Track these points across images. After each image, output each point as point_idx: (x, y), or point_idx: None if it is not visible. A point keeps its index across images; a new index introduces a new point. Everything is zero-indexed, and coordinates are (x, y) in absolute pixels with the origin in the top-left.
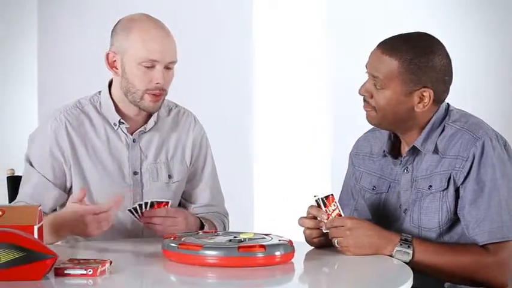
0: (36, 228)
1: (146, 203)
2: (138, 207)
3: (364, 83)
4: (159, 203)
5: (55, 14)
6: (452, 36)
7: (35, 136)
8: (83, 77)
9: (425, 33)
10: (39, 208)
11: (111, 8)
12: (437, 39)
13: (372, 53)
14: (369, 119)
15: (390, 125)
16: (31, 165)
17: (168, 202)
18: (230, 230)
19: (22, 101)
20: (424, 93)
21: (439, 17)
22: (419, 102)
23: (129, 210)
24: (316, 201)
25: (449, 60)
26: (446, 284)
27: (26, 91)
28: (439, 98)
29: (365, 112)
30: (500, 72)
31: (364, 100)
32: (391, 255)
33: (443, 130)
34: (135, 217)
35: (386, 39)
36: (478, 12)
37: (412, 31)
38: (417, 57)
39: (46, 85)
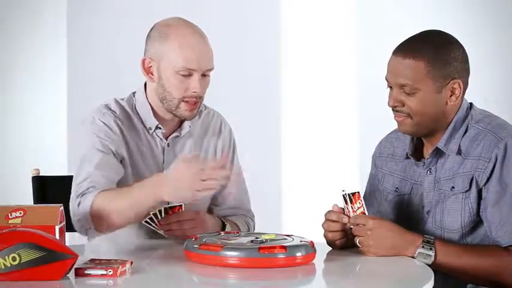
0: (57, 228)
1: (160, 211)
2: (153, 217)
3: (390, 93)
4: (173, 208)
5: (84, 15)
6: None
7: (86, 134)
8: (113, 79)
9: (433, 29)
10: (61, 208)
11: (141, 9)
12: (445, 31)
13: (390, 62)
14: (404, 128)
15: (425, 129)
16: (88, 153)
17: (181, 205)
18: (257, 230)
19: (52, 103)
20: (454, 85)
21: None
22: (451, 96)
23: (146, 222)
24: (343, 196)
25: (464, 48)
26: (469, 286)
27: (55, 93)
28: (466, 87)
29: (397, 122)
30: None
31: (395, 110)
32: (413, 257)
33: (466, 131)
34: (153, 227)
35: (400, 45)
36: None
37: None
38: (440, 52)
39: (75, 87)
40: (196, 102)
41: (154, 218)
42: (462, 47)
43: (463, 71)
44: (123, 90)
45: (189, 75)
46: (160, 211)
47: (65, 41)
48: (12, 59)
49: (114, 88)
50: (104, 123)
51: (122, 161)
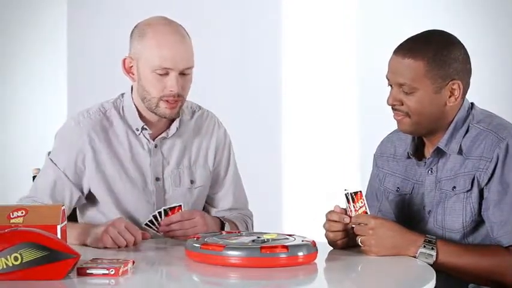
0: (59, 227)
1: (160, 213)
2: (153, 219)
3: (390, 92)
4: (172, 209)
5: (84, 15)
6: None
7: (58, 136)
8: (112, 79)
9: (435, 29)
10: (63, 208)
11: (141, 9)
12: (447, 32)
13: (391, 61)
14: (403, 127)
15: (424, 128)
16: (52, 161)
17: (180, 206)
18: (258, 230)
19: (52, 103)
20: (453, 86)
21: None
22: (450, 96)
23: (146, 225)
24: (345, 195)
25: (466, 49)
26: (471, 286)
27: (55, 93)
28: (466, 88)
29: (396, 121)
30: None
31: (394, 109)
32: (414, 257)
33: (467, 131)
34: (154, 230)
35: (401, 45)
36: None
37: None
38: (439, 52)
39: (75, 87)
40: (176, 101)
41: (154, 221)
42: (463, 47)
43: (463, 71)
44: (122, 90)
45: (166, 74)
46: (160, 213)
47: (65, 41)
48: (12, 59)
49: (114, 88)
50: (75, 134)
51: (91, 172)
